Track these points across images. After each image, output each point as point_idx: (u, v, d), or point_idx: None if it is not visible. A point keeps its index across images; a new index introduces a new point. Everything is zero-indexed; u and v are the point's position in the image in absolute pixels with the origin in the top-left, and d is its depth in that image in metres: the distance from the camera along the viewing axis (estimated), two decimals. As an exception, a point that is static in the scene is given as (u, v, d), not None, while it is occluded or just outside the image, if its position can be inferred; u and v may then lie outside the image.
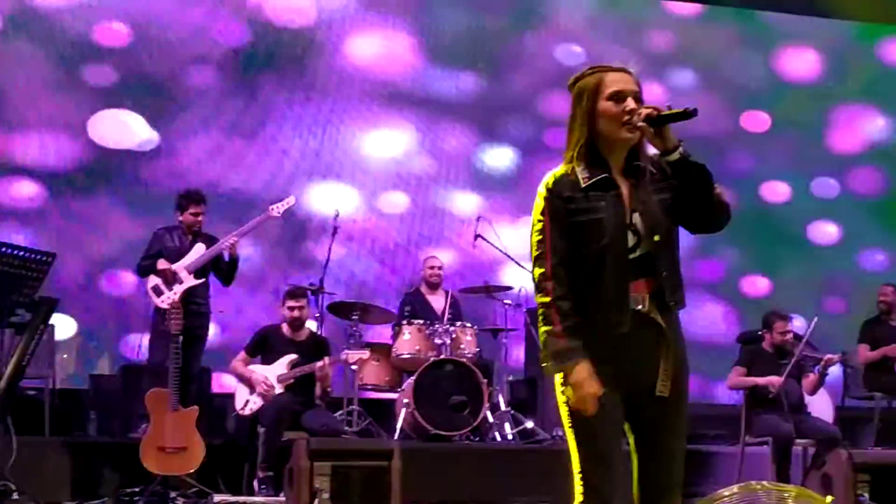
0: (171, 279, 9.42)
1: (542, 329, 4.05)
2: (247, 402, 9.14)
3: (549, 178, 4.13)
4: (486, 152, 13.43)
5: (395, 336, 10.55)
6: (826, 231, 14.48)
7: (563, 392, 4.07)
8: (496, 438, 10.19)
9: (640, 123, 3.99)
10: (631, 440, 4.22)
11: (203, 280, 9.61)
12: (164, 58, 12.31)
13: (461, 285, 11.62)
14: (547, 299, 4.05)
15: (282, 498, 8.48)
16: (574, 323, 4.03)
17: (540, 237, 4.10)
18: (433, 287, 11.10)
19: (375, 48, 13.18)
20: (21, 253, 7.80)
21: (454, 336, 10.34)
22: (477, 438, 10.13)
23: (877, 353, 11.29)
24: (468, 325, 10.61)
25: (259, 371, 9.23)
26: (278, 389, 9.13)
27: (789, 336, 9.57)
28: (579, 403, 3.99)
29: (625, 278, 4.03)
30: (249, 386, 9.21)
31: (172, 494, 8.51)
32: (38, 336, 7.97)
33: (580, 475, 4.09)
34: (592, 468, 4.07)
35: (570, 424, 4.10)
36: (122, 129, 12.19)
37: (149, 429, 8.58)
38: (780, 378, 9.28)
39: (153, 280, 9.49)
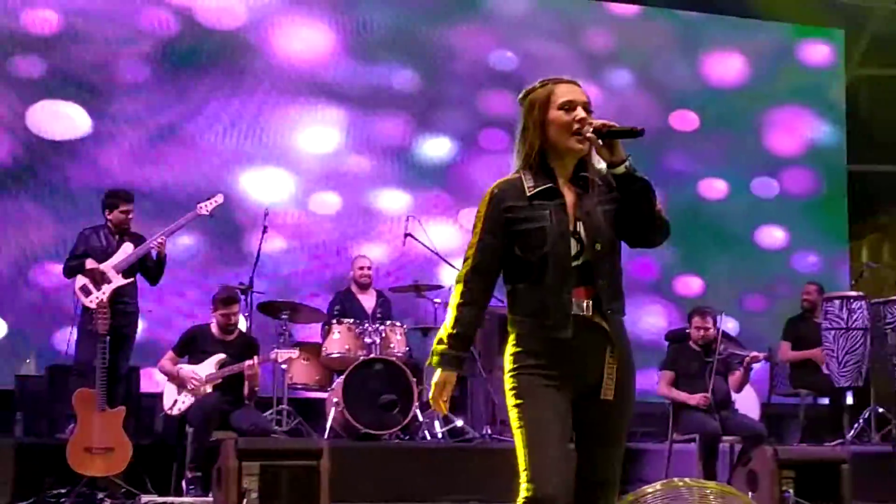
0: (99, 279, 9.36)
1: (444, 324, 4.31)
2: (175, 402, 9.10)
3: (496, 185, 4.27)
4: (419, 149, 13.43)
5: (325, 335, 10.55)
6: (767, 233, 14.63)
7: (511, 394, 4.21)
8: (426, 437, 10.21)
9: (590, 134, 4.13)
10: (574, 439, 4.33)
11: (131, 280, 9.55)
12: (93, 49, 12.22)
13: (392, 284, 11.63)
14: (453, 301, 4.31)
15: (210, 498, 8.43)
16: (464, 332, 4.29)
17: (473, 240, 4.29)
18: (363, 287, 11.11)
19: (304, 44, 13.14)
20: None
21: (384, 335, 10.35)
22: (407, 437, 10.14)
23: (799, 354, 11.43)
24: (398, 323, 10.63)
25: (187, 368, 9.20)
26: (207, 389, 9.09)
27: (709, 332, 9.62)
28: (432, 401, 4.31)
29: (566, 284, 4.16)
30: (178, 384, 9.16)
31: (100, 495, 8.44)
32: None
33: (526, 473, 4.16)
34: (539, 467, 4.14)
35: (518, 425, 4.20)
36: (55, 121, 12.10)
37: (76, 429, 8.52)
38: (707, 396, 9.35)
39: (81, 280, 9.42)
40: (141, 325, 9.98)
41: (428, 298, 11.11)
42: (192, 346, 9.33)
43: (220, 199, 9.98)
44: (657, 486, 4.29)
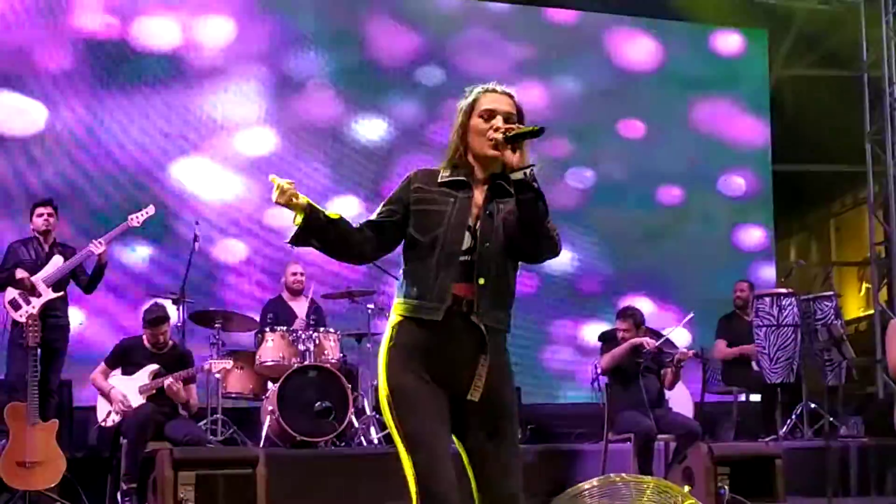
0: (29, 291, 9.26)
1: None
2: (109, 413, 9.02)
3: (416, 171, 4.44)
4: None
5: (259, 343, 10.50)
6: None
7: (387, 398, 4.23)
8: (362, 443, 10.20)
9: (499, 136, 4.22)
10: (460, 448, 4.34)
11: (61, 293, 9.47)
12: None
13: (324, 291, 11.60)
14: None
15: (146, 509, 8.41)
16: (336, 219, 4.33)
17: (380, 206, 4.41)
18: (295, 293, 11.07)
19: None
20: None
21: (317, 342, 10.32)
22: (343, 444, 10.12)
23: (734, 350, 11.55)
24: (331, 330, 10.60)
25: (119, 384, 9.10)
26: (141, 400, 9.02)
27: (630, 335, 9.64)
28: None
29: (449, 273, 4.22)
30: (108, 400, 9.09)
31: (34, 510, 8.37)
32: None
33: (415, 478, 4.17)
34: (426, 469, 4.16)
35: (397, 430, 4.22)
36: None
37: (8, 443, 8.42)
38: (650, 340, 9.43)
39: (10, 293, 9.33)
40: (72, 340, 9.86)
41: (361, 304, 11.10)
42: (125, 358, 9.26)
43: (151, 210, 9.92)
44: (594, 481, 4.32)
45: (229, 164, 12.90)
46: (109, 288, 11.36)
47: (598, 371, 9.90)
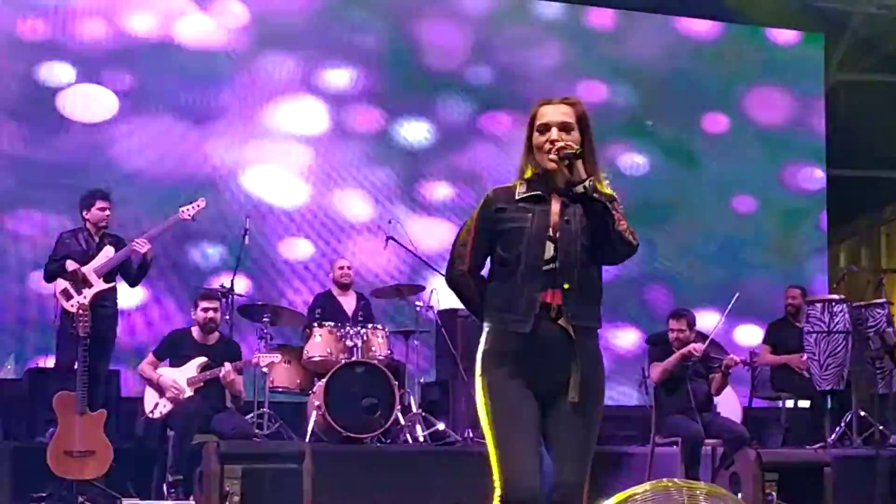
0: (80, 282, 9.31)
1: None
2: (156, 405, 9.06)
3: (493, 189, 4.62)
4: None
5: (306, 338, 10.49)
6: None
7: (481, 393, 4.45)
8: (408, 440, 10.18)
9: (553, 157, 4.45)
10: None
11: (113, 284, 9.51)
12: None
13: (372, 287, 11.60)
14: (464, 298, 4.67)
15: (192, 502, 8.40)
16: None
17: (467, 237, 4.59)
18: (343, 288, 11.06)
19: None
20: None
21: (365, 338, 10.30)
22: (388, 441, 10.10)
23: (778, 358, 11.44)
24: (379, 326, 10.58)
25: (168, 374, 9.14)
26: (188, 392, 9.05)
27: (685, 335, 9.58)
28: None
29: (534, 284, 4.42)
30: (158, 389, 9.12)
31: (80, 499, 8.38)
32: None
33: (500, 475, 4.38)
34: (511, 470, 4.36)
35: (489, 426, 4.43)
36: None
37: (56, 432, 8.47)
38: (701, 345, 9.37)
39: (62, 283, 9.38)
40: (120, 331, 9.91)
41: (409, 302, 11.09)
42: (173, 349, 9.30)
43: (202, 202, 9.92)
44: (646, 486, 4.26)
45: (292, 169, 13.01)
46: (157, 281, 11.43)
47: (647, 376, 9.83)
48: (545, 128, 4.51)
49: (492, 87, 13.79)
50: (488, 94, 13.72)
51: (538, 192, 4.52)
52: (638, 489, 4.23)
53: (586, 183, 4.38)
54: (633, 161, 14.27)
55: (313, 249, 12.87)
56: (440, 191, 13.48)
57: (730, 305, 9.86)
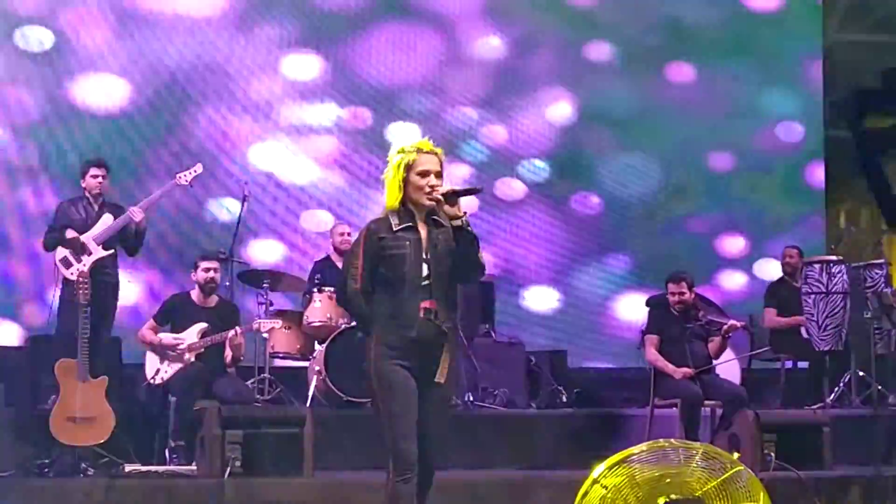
0: (79, 250, 9.33)
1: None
2: (157, 371, 9.09)
3: (371, 222, 5.69)
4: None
5: (306, 304, 10.52)
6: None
7: (376, 383, 5.59)
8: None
9: (438, 196, 5.51)
10: None
11: (111, 251, 9.53)
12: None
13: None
14: (358, 312, 5.73)
15: (193, 467, 8.45)
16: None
17: (357, 262, 5.64)
18: (343, 254, 11.07)
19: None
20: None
21: (363, 303, 10.31)
22: (388, 404, 10.13)
23: (786, 320, 11.43)
24: (379, 291, 10.58)
25: (169, 335, 9.18)
26: (190, 357, 9.08)
27: (685, 297, 9.60)
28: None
29: (417, 297, 5.56)
30: (160, 354, 9.15)
31: (83, 465, 8.42)
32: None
33: (394, 449, 5.53)
34: (402, 443, 5.51)
35: (384, 409, 5.57)
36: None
37: (58, 399, 8.51)
38: (690, 370, 9.37)
39: (61, 252, 9.41)
40: (120, 297, 9.94)
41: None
42: (173, 314, 9.32)
43: (199, 168, 9.93)
44: (642, 446, 4.33)
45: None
46: (155, 248, 11.49)
47: (646, 357, 9.81)
48: (425, 174, 5.56)
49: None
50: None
51: (409, 224, 5.61)
52: (635, 449, 4.30)
53: (464, 218, 5.53)
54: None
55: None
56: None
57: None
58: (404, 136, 6.34)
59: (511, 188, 13.70)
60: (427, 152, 5.63)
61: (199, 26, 12.75)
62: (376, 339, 5.58)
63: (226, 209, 12.28)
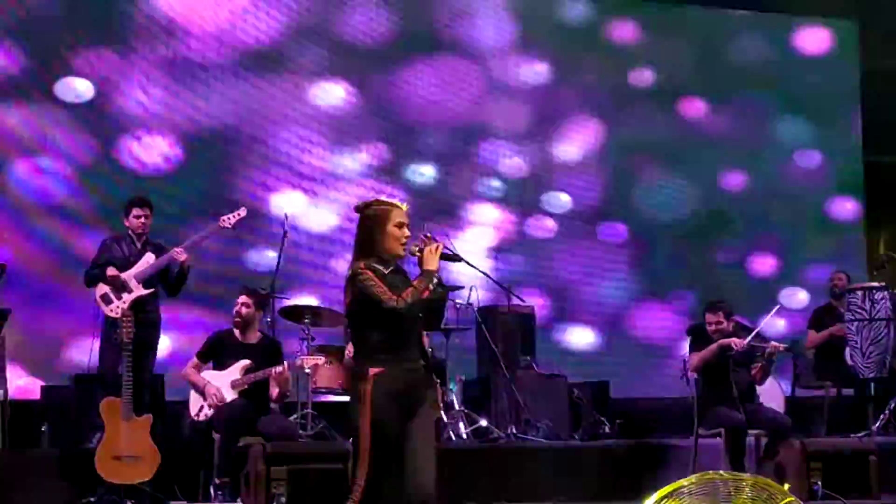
0: (120, 287, 9.38)
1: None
2: (201, 409, 9.08)
3: (366, 265, 5.81)
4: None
5: (348, 338, 10.51)
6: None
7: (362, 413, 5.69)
8: (451, 438, 10.21)
9: (418, 252, 5.90)
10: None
11: (152, 290, 9.57)
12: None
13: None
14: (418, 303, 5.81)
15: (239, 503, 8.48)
16: None
17: (373, 282, 5.75)
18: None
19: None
20: (-29, 265, 7.74)
21: (406, 336, 10.32)
22: (432, 438, 10.12)
23: (822, 333, 11.42)
24: (420, 325, 10.59)
25: (213, 379, 9.16)
26: (232, 395, 9.08)
27: (723, 326, 9.54)
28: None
29: (416, 335, 5.90)
30: (202, 394, 9.17)
31: (128, 503, 8.46)
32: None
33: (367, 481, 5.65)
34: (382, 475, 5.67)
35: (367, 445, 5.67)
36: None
37: (103, 438, 8.55)
38: (742, 340, 9.34)
39: (102, 288, 9.45)
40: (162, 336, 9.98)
41: (449, 300, 11.08)
42: (216, 351, 9.30)
43: (243, 212, 9.95)
44: (692, 478, 4.29)
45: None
46: (197, 286, 11.52)
47: (688, 367, 9.82)
48: (402, 225, 5.89)
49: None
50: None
51: (393, 268, 5.91)
52: (684, 482, 4.27)
53: (438, 274, 5.92)
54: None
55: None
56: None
57: (771, 313, 9.85)
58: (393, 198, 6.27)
59: (547, 219, 13.78)
60: (400, 207, 5.98)
61: (233, 74, 12.83)
62: (376, 378, 5.69)
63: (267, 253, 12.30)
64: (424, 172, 13.35)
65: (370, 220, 5.93)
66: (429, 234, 5.98)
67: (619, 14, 14.51)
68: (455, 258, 6.12)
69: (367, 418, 5.63)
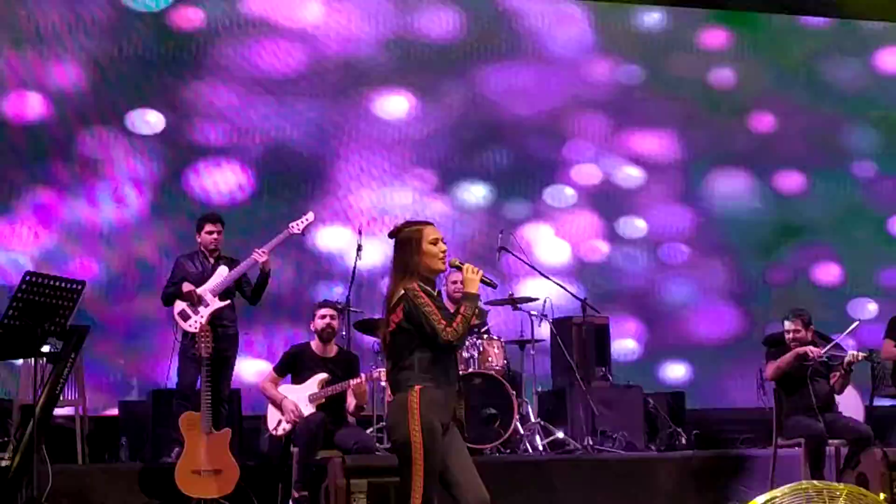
0: (196, 302, 9.46)
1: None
2: (279, 423, 9.11)
3: (414, 284, 5.84)
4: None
5: (383, 354, 10.49)
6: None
7: (411, 426, 5.71)
8: (527, 450, 10.19)
9: (458, 264, 6.06)
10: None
11: (228, 302, 9.64)
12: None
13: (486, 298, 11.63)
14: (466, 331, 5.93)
15: (318, 517, 8.51)
16: None
17: (429, 308, 5.78)
18: (456, 301, 11.06)
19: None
20: (52, 282, 7.79)
21: (481, 349, 10.34)
22: (508, 451, 10.13)
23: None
24: (495, 337, 10.62)
25: (290, 393, 9.18)
26: (310, 409, 9.10)
27: (801, 335, 9.46)
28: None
29: (455, 358, 6.04)
30: (279, 409, 9.19)
31: (208, 517, 8.53)
32: (70, 365, 8.01)
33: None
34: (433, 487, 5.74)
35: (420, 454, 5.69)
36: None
37: (183, 452, 8.61)
38: (819, 349, 9.26)
39: (179, 305, 9.54)
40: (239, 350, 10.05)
41: (524, 311, 11.09)
42: (294, 365, 9.33)
43: (311, 216, 10.00)
44: (784, 489, 4.26)
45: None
46: (273, 300, 11.57)
47: (765, 377, 9.75)
48: (437, 241, 5.95)
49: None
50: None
51: (438, 290, 6.14)
52: (776, 492, 4.24)
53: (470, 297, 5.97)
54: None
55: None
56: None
57: (848, 330, 9.77)
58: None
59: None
60: (429, 224, 6.10)
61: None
62: (422, 395, 5.75)
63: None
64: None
65: (405, 242, 5.99)
66: (458, 261, 6.10)
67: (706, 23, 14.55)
68: (492, 284, 6.16)
69: (418, 430, 5.67)
